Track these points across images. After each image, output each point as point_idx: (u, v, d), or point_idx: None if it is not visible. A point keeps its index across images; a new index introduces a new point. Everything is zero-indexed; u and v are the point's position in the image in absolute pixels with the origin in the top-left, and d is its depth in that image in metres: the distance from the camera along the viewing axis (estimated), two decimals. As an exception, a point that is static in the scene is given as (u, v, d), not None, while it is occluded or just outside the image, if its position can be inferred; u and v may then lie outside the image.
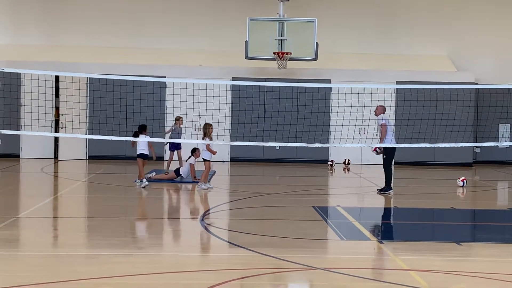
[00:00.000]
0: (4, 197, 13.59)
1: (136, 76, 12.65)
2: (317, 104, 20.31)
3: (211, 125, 14.64)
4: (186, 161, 16.22)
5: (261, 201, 13.39)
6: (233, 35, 21.68)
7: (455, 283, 7.33)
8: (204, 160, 14.77)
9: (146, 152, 14.81)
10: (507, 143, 21.36)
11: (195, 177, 15.87)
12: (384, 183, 14.60)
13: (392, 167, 14.91)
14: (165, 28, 23.05)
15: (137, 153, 14.87)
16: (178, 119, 17.06)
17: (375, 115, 14.81)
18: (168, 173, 16.27)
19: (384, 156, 14.57)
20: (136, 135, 14.63)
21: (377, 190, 14.81)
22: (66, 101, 19.95)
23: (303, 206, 12.57)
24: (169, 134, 16.80)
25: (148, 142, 14.63)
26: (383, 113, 14.59)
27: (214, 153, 14.77)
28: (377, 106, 14.81)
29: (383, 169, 14.64)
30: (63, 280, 6.98)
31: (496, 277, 7.52)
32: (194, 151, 16.02)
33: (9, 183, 16.24)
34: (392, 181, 14.79)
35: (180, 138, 16.35)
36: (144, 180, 14.76)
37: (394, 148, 14.47)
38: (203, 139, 14.58)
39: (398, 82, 20.75)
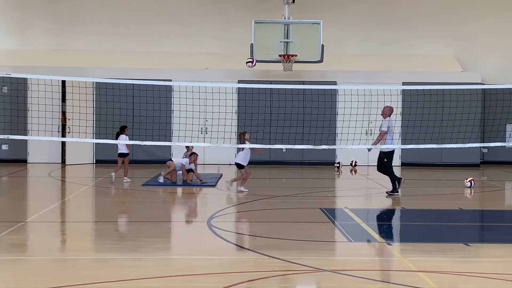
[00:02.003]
0: (12, 201, 13.63)
1: (142, 80, 12.66)
2: (323, 106, 20.34)
3: (245, 132, 14.83)
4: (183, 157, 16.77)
5: (268, 203, 13.38)
6: (239, 37, 21.70)
7: (463, 283, 7.32)
8: (239, 167, 14.85)
9: (124, 151, 16.52)
10: (515, 143, 21.26)
11: (201, 180, 15.94)
12: (392, 186, 14.55)
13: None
14: (170, 31, 23.09)
15: (118, 152, 16.58)
16: (192, 154, 17.04)
17: (382, 116, 14.56)
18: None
19: (385, 160, 14.49)
20: (117, 135, 16.33)
21: (386, 192, 14.73)
22: (73, 106, 20.05)
23: (310, 208, 12.55)
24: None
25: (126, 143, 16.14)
26: (390, 115, 14.42)
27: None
28: (385, 107, 14.54)
29: (387, 173, 14.60)
30: (71, 284, 7.00)
31: (505, 278, 7.50)
32: (191, 155, 16.14)
33: (17, 188, 16.29)
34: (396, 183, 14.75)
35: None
36: (113, 174, 16.35)
37: (393, 150, 14.44)
38: (242, 149, 14.65)
39: (404, 83, 20.70)
